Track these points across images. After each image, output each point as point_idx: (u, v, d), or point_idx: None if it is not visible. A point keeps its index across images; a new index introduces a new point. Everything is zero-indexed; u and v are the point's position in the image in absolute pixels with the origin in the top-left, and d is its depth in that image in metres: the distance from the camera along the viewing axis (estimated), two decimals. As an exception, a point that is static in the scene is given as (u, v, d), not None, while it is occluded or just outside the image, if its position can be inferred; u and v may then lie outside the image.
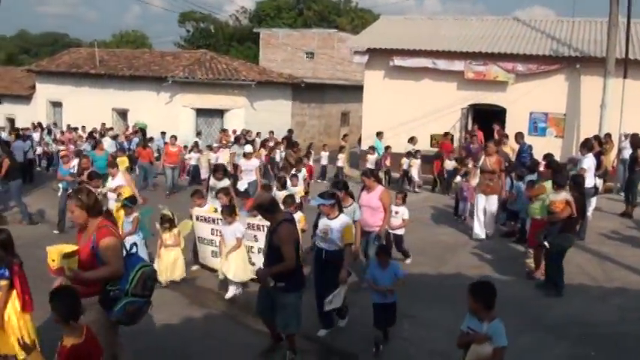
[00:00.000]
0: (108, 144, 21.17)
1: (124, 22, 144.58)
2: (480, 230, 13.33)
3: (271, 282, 6.85)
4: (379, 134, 21.89)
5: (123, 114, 28.86)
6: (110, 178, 12.82)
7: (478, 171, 13.81)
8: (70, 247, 5.63)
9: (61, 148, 23.88)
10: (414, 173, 20.11)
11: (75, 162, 15.02)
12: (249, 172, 15.65)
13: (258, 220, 9.80)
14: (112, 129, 25.22)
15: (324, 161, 22.72)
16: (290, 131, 25.82)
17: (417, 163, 20.01)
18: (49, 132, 25.62)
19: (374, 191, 9.87)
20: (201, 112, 27.24)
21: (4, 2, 17.04)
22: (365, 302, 8.06)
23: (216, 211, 10.84)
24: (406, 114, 22.22)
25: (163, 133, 23.54)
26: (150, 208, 11.44)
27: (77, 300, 5.00)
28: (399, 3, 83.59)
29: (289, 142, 22.75)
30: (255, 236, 10.16)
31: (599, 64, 19.74)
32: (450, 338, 7.70)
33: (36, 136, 25.34)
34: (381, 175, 20.64)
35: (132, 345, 7.60)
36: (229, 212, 9.94)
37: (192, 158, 21.38)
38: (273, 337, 7.44)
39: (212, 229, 10.74)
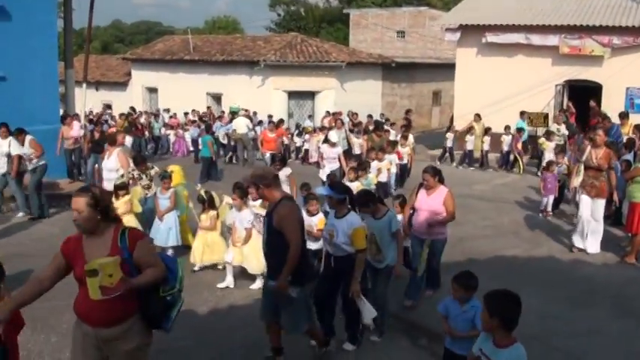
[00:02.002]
0: (245, 123, 21.54)
1: (215, 8, 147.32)
2: (580, 240, 10.74)
3: (294, 291, 5.91)
4: (523, 114, 20.82)
5: (217, 98, 29.52)
6: (107, 157, 12.17)
7: (582, 167, 10.62)
8: (106, 259, 4.33)
9: (170, 132, 24.76)
10: (547, 156, 18.00)
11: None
12: (332, 160, 15.07)
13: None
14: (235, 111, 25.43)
15: (449, 143, 21.52)
16: (408, 111, 25.51)
17: (550, 145, 17.92)
18: (157, 117, 26.28)
19: (436, 192, 8.14)
20: (292, 95, 27.58)
21: (101, -6, 17.70)
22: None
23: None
24: (499, 92, 21.67)
25: (270, 117, 23.75)
26: (184, 185, 11.18)
27: None
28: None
29: (407, 124, 22.63)
30: None
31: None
32: (540, 322, 7.67)
33: (143, 120, 26.28)
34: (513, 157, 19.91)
35: (225, 320, 7.88)
36: (241, 194, 9.00)
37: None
38: (274, 346, 6.49)
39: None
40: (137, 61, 33.01)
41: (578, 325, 7.75)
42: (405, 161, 17.00)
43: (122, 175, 11.48)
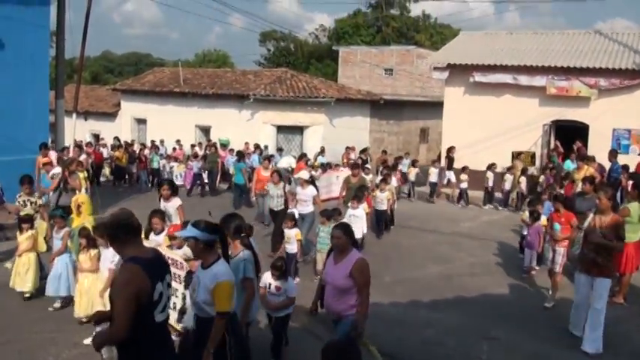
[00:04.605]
0: (289, 161, 21.12)
1: (205, 41, 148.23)
2: (577, 330, 8.43)
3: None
4: (578, 149, 19.15)
5: (206, 131, 29.54)
6: None
7: (581, 235, 8.75)
8: None
9: (174, 164, 24.47)
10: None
11: (57, 170, 13.58)
12: (304, 203, 13.05)
13: (179, 255, 7.70)
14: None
15: (489, 183, 20.12)
16: (451, 149, 22.93)
17: None
18: (157, 149, 25.76)
19: (346, 258, 6.14)
20: (281, 129, 27.66)
21: (91, 26, 17.85)
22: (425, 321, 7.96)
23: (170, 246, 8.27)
24: (487, 130, 21.90)
25: (280, 150, 23.58)
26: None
27: None
28: (478, 18, 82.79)
29: (450, 161, 21.94)
30: (178, 276, 7.62)
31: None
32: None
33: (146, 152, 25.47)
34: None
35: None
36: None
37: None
38: None
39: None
40: (127, 92, 33.03)
41: (568, 364, 7.76)
42: (383, 207, 15.14)
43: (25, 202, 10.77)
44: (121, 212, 4.86)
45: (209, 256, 5.28)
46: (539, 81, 21.43)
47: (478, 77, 22.42)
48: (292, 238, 10.97)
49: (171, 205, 9.90)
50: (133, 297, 4.32)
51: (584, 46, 22.72)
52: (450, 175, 21.74)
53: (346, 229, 6.29)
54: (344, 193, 14.94)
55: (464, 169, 20.76)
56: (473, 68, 22.56)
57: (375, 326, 8.57)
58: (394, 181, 17.78)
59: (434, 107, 30.59)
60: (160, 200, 10.45)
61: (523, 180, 19.33)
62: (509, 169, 20.20)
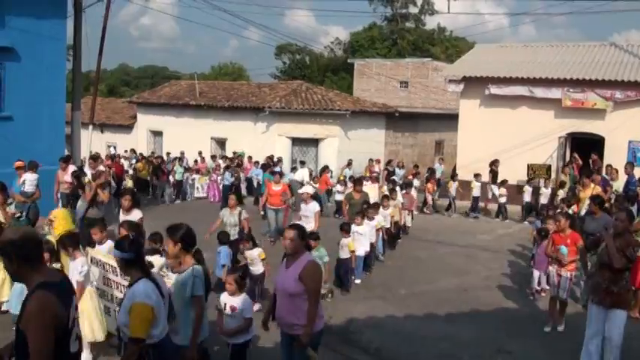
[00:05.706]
0: (303, 174, 21.57)
1: (221, 54, 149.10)
2: None
3: None
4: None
5: (221, 143, 29.66)
6: None
7: (594, 258, 8.19)
8: None
9: (196, 177, 24.52)
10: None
11: (27, 176, 13.01)
12: (307, 219, 12.44)
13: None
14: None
15: (527, 197, 19.67)
16: (494, 162, 21.51)
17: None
18: (181, 160, 25.77)
19: (296, 262, 5.75)
20: (296, 141, 27.71)
21: (108, 39, 18.06)
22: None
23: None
24: (502, 143, 21.84)
25: (302, 163, 23.67)
26: None
27: None
28: (493, 31, 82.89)
29: (494, 175, 20.91)
30: (118, 283, 7.39)
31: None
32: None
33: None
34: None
35: None
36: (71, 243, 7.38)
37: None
38: None
39: (105, 278, 7.70)
40: (143, 105, 33.30)
41: (584, 378, 7.64)
42: (386, 225, 14.31)
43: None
44: (27, 228, 4.49)
45: (132, 274, 4.99)
46: (554, 93, 21.39)
47: (493, 89, 22.39)
48: (256, 259, 9.94)
49: (131, 218, 9.22)
50: (50, 327, 3.82)
51: (600, 58, 22.67)
52: (495, 190, 20.58)
53: (301, 230, 5.90)
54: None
55: (503, 182, 20.21)
56: (488, 80, 22.55)
57: (390, 340, 8.58)
58: (399, 197, 16.72)
59: (449, 120, 30.50)
60: (119, 212, 9.95)
61: (561, 193, 18.22)
62: (545, 182, 19.73)
